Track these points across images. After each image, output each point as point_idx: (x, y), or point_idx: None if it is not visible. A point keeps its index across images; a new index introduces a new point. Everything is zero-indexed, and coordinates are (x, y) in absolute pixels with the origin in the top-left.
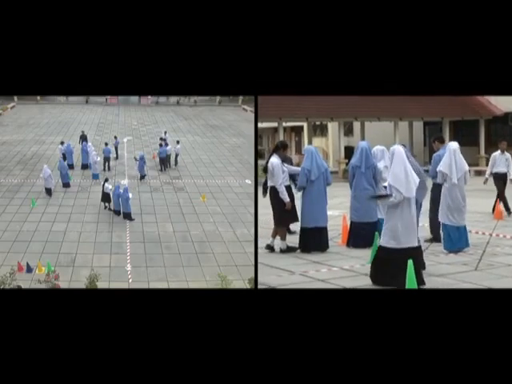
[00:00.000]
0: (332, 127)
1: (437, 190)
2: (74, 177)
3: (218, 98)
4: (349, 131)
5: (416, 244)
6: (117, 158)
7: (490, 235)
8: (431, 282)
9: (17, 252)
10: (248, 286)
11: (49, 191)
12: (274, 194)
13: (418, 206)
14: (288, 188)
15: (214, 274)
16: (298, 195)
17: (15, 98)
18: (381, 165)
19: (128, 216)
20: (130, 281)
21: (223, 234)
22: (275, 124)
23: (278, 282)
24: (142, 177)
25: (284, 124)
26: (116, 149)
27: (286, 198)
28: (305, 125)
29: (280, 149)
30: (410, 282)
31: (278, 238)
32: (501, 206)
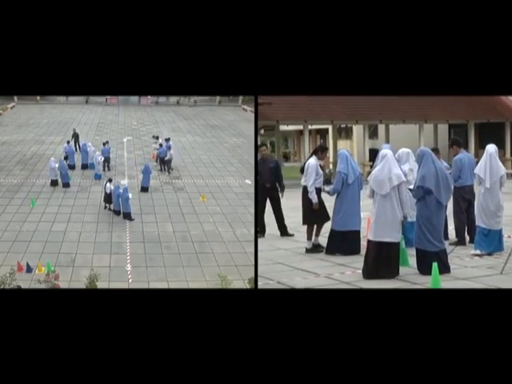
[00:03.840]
0: (357, 130)
1: (457, 193)
2: (74, 177)
3: (217, 98)
4: (373, 134)
5: (389, 240)
6: (109, 170)
7: None
8: (456, 285)
9: (17, 252)
10: (248, 286)
11: (54, 182)
12: (305, 193)
13: (444, 208)
14: (319, 190)
15: (213, 274)
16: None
17: (15, 98)
18: (405, 167)
19: (128, 216)
20: (130, 281)
21: (223, 234)
22: (301, 127)
23: (303, 284)
24: (145, 189)
25: (309, 127)
26: (107, 160)
27: (315, 199)
28: (330, 127)
29: (318, 151)
30: (435, 283)
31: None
32: None
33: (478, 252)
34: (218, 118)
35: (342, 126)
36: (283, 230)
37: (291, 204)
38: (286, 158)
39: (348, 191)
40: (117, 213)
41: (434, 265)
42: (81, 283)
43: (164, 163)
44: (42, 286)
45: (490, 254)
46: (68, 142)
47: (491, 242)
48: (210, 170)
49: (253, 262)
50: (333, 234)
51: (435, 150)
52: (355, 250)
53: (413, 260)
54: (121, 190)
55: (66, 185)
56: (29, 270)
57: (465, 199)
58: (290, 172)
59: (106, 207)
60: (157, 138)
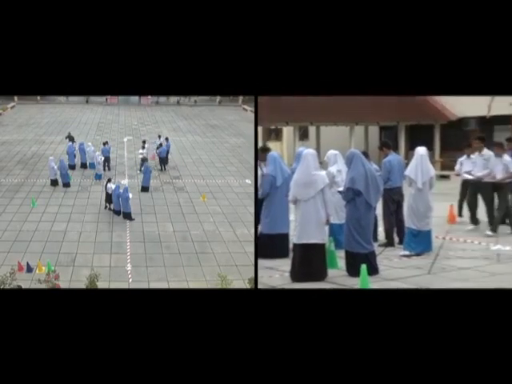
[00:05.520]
0: (287, 131)
1: (387, 195)
2: (74, 177)
3: (218, 98)
4: (304, 136)
5: (314, 241)
6: (109, 169)
7: (444, 239)
8: (384, 286)
9: (17, 252)
10: (248, 286)
11: (54, 182)
12: None
13: (373, 209)
14: None
15: (213, 273)
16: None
17: (15, 97)
18: (333, 169)
19: (128, 216)
20: (130, 281)
21: (223, 233)
22: None
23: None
24: (146, 189)
25: None
26: (107, 160)
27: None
28: (259, 129)
29: (259, 151)
30: (363, 284)
31: None
32: (454, 209)
33: (407, 253)
34: (218, 117)
35: (272, 127)
36: None
37: None
38: None
39: (277, 194)
40: (117, 213)
41: (363, 266)
42: (81, 283)
43: (164, 163)
44: (42, 285)
45: (418, 255)
46: (72, 142)
47: (421, 242)
48: (211, 169)
49: (253, 262)
50: (264, 237)
51: (364, 154)
52: (284, 253)
53: (342, 262)
54: (121, 190)
55: (67, 184)
56: (29, 269)
57: (394, 201)
58: None
59: (106, 207)
60: (144, 142)
